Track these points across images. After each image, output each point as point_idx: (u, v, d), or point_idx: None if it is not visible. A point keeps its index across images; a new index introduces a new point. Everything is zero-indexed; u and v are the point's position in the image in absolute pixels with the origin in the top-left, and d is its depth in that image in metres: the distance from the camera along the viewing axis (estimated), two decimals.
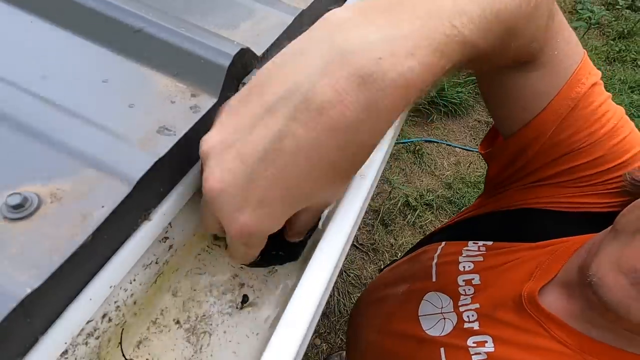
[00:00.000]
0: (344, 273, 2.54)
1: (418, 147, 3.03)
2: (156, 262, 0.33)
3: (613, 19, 3.74)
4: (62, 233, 0.20)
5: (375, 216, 2.76)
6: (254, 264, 0.36)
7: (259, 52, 0.32)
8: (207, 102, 0.27)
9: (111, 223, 0.23)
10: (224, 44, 0.28)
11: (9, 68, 0.26)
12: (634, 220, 0.40)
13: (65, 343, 0.25)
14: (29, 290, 0.18)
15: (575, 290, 0.47)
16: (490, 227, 0.64)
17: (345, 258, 2.91)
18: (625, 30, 3.57)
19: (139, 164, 0.23)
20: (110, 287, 0.27)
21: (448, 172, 2.83)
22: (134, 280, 0.31)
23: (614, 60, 3.43)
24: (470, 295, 0.59)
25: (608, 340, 0.44)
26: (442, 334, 0.60)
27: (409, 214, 2.61)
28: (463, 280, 0.61)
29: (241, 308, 0.34)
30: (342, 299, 2.43)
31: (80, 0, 0.28)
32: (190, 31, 0.28)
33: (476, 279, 0.59)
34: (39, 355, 0.23)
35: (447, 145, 3.00)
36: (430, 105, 3.20)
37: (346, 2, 0.44)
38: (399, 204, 2.65)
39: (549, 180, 0.58)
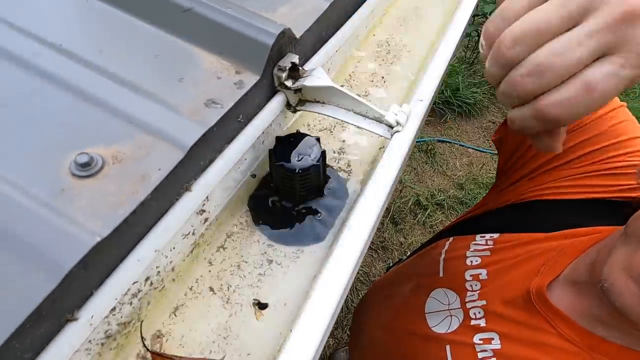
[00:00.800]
0: None
1: (431, 146, 3.02)
2: (193, 234, 0.34)
3: None
4: (124, 190, 0.22)
5: (386, 214, 2.76)
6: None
7: (297, 34, 0.33)
8: (250, 78, 0.29)
9: (165, 185, 0.24)
10: (267, 24, 0.29)
11: (68, 42, 0.28)
12: (634, 227, 0.40)
13: (115, 299, 0.26)
14: (98, 239, 0.20)
15: (584, 289, 0.47)
16: (498, 220, 0.64)
17: None
18: None
19: (191, 133, 0.25)
20: (155, 251, 0.29)
21: (460, 173, 2.81)
22: (174, 248, 0.33)
23: None
24: (477, 291, 0.58)
25: (616, 339, 0.44)
26: (449, 331, 0.59)
27: (419, 213, 2.60)
28: (470, 275, 0.60)
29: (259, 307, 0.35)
30: (349, 295, 2.44)
31: None
32: (235, 11, 0.29)
33: (483, 273, 0.59)
34: (93, 308, 0.25)
35: (460, 145, 2.98)
36: (445, 105, 3.18)
37: None
38: (410, 203, 2.65)
39: (552, 164, 0.58)
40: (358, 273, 2.52)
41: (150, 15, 0.30)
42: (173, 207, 0.29)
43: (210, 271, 0.36)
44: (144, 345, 0.29)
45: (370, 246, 2.65)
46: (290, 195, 0.38)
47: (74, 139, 0.23)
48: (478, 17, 3.45)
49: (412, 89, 0.50)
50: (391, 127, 0.37)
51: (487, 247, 0.61)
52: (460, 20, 0.52)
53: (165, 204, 0.28)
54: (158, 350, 0.31)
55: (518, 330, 0.51)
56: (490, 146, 2.95)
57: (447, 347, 0.58)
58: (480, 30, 3.23)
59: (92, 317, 0.25)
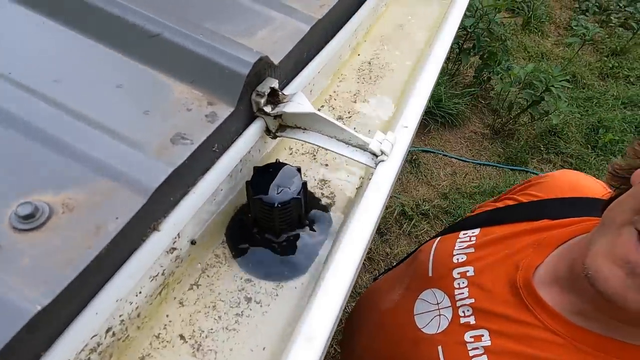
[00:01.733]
0: None
1: (415, 156, 3.04)
2: (162, 274, 0.32)
3: (606, 36, 3.82)
4: (75, 245, 0.19)
5: None
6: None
7: (276, 60, 0.31)
8: (224, 110, 0.27)
9: (124, 234, 0.21)
10: (243, 52, 0.27)
11: (19, 70, 0.25)
12: (619, 214, 0.42)
13: (92, 336, 0.23)
14: (39, 308, 0.17)
15: (566, 285, 0.49)
16: (479, 218, 0.68)
17: None
18: (618, 48, 3.65)
19: (155, 174, 0.22)
20: (117, 300, 0.26)
21: (444, 182, 2.84)
22: (140, 292, 0.30)
23: (607, 76, 3.49)
24: (465, 288, 0.59)
25: (596, 329, 0.47)
26: (438, 331, 0.59)
27: (404, 223, 2.61)
28: (458, 273, 0.61)
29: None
30: None
31: (94, 3, 0.27)
32: (208, 37, 0.27)
33: (470, 270, 0.60)
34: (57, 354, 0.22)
35: (444, 155, 3.02)
36: (428, 115, 3.22)
37: None
38: (395, 213, 2.65)
39: None
40: None
41: (115, 40, 0.28)
42: (138, 251, 0.27)
43: (181, 314, 0.33)
44: None
45: None
46: (269, 229, 0.36)
47: (17, 185, 0.20)
48: (458, 30, 3.51)
49: (397, 111, 0.49)
50: (376, 155, 0.35)
51: (470, 243, 0.63)
52: (444, 39, 0.52)
53: (128, 250, 0.25)
54: None
55: (507, 325, 0.52)
56: (473, 156, 3.00)
57: (439, 347, 0.58)
58: (461, 43, 3.29)
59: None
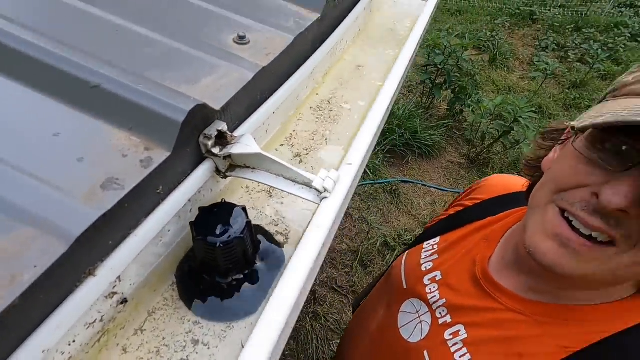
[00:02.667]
0: (322, 318, 2.45)
1: (395, 187, 3.09)
2: (101, 320, 0.31)
3: (566, 70, 4.10)
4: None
5: (354, 257, 2.73)
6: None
7: (217, 106, 0.33)
8: (160, 155, 0.28)
9: (45, 283, 0.21)
10: (181, 100, 0.29)
11: None
12: (541, 197, 0.49)
13: None
14: None
15: (515, 268, 0.57)
16: (437, 227, 0.77)
17: (325, 301, 2.81)
18: (578, 81, 3.92)
19: (81, 220, 0.23)
20: (43, 351, 0.25)
21: (425, 212, 2.87)
22: (74, 341, 0.29)
23: (571, 107, 3.71)
24: (437, 291, 0.64)
25: (548, 300, 0.53)
26: (422, 337, 0.63)
27: (387, 254, 2.60)
28: (428, 279, 0.67)
29: None
30: (321, 346, 2.32)
31: (34, 55, 0.29)
32: (148, 87, 0.29)
33: (438, 275, 0.66)
34: None
35: (423, 185, 3.08)
36: (405, 147, 3.32)
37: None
38: (378, 244, 2.64)
39: None
40: (329, 321, 2.42)
41: (54, 89, 0.29)
42: (70, 298, 0.26)
43: None
44: None
45: (340, 291, 2.58)
46: (215, 270, 0.36)
47: None
48: (430, 67, 3.73)
49: (346, 149, 0.51)
50: (319, 192, 0.36)
51: (433, 250, 0.71)
52: (394, 80, 0.55)
53: (57, 298, 0.25)
54: None
55: (477, 315, 0.58)
56: (451, 185, 3.07)
57: (425, 352, 0.61)
58: (433, 78, 3.46)
59: None
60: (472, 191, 0.78)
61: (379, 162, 3.27)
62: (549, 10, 5.96)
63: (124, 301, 0.33)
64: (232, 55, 0.39)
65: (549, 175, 0.50)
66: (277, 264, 0.39)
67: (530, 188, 0.56)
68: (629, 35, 5.51)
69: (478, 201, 0.74)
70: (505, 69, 4.47)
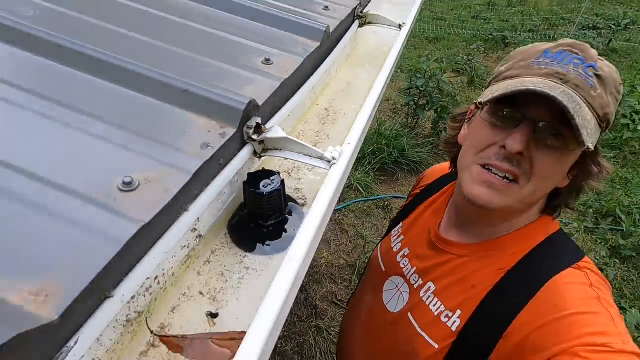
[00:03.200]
0: (325, 332, 2.52)
1: (387, 203, 3.25)
2: (188, 247, 0.46)
3: None
4: (154, 198, 0.34)
5: (352, 271, 2.84)
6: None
7: (260, 103, 0.49)
8: (230, 131, 0.43)
9: (176, 201, 0.37)
10: (240, 97, 0.45)
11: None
12: (467, 159, 0.66)
13: (138, 285, 0.37)
14: (142, 224, 0.32)
15: (459, 224, 0.74)
16: (399, 216, 0.96)
17: (326, 315, 2.87)
18: None
19: (196, 163, 0.38)
20: (165, 252, 0.40)
21: None
22: (174, 257, 0.43)
23: None
24: (408, 264, 0.81)
25: (483, 239, 0.71)
26: (405, 305, 0.78)
27: None
28: (400, 257, 0.84)
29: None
30: (324, 359, 2.39)
31: (153, 76, 0.45)
32: (219, 90, 0.45)
33: (406, 250, 0.83)
34: (124, 288, 0.36)
35: None
36: (395, 165, 3.52)
37: None
38: None
39: None
40: (331, 335, 2.49)
41: (155, 93, 0.45)
42: (176, 222, 0.41)
43: (199, 280, 0.47)
44: (152, 333, 0.38)
45: (340, 305, 2.67)
46: (260, 216, 0.51)
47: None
48: (413, 90, 4.01)
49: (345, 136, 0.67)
50: (329, 161, 0.53)
51: (399, 234, 0.89)
52: (375, 92, 0.73)
53: (172, 218, 0.40)
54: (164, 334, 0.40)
55: (439, 270, 0.74)
56: None
57: (409, 314, 0.76)
58: (416, 100, 3.69)
59: (122, 295, 0.35)
60: (418, 182, 0.98)
61: (371, 180, 3.45)
62: (520, 34, 6.44)
63: (199, 237, 0.47)
64: (263, 72, 0.56)
65: (467, 144, 0.69)
66: (300, 216, 0.55)
67: (454, 160, 0.75)
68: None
69: (424, 187, 0.93)
70: (483, 89, 4.77)
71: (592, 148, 0.55)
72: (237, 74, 0.54)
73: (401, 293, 0.81)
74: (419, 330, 0.73)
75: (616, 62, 6.21)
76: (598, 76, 0.57)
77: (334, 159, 0.52)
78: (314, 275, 3.04)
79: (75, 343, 0.31)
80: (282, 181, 0.50)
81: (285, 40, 0.65)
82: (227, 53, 0.57)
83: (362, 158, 3.55)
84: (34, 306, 0.25)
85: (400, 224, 0.92)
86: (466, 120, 0.74)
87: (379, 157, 3.51)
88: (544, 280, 0.62)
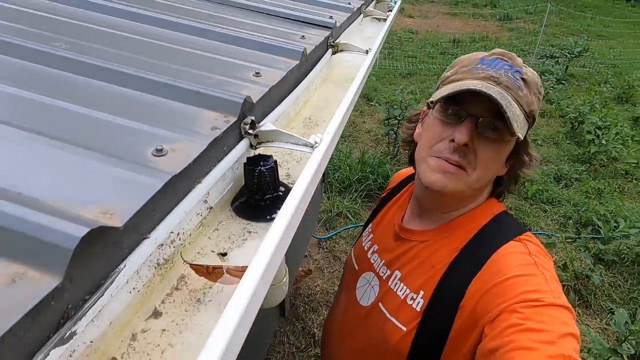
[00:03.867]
0: None
1: None
2: (200, 215, 0.56)
3: None
4: (177, 162, 0.45)
5: None
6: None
7: (254, 100, 0.62)
8: (232, 119, 0.56)
9: (193, 166, 0.48)
10: (239, 96, 0.58)
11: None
12: (423, 153, 0.77)
13: (171, 233, 0.47)
14: (159, 187, 0.43)
15: (421, 214, 0.84)
16: (368, 219, 1.06)
17: None
18: None
19: (206, 140, 0.50)
20: (185, 212, 0.51)
21: None
22: (191, 220, 0.54)
23: None
24: (378, 258, 0.89)
25: (442, 223, 0.80)
26: (376, 297, 0.84)
27: None
28: (370, 253, 0.92)
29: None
30: None
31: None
32: (224, 92, 0.58)
33: (375, 247, 0.92)
34: (157, 233, 0.46)
35: None
36: (380, 190, 3.67)
37: None
38: None
39: None
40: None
41: (176, 96, 0.58)
42: (193, 190, 0.52)
43: (210, 243, 0.57)
44: (184, 262, 0.48)
45: None
46: (258, 190, 0.62)
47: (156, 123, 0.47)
48: (391, 120, 4.27)
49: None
50: (312, 146, 0.65)
51: (369, 233, 0.99)
52: (345, 104, 0.87)
53: (190, 185, 0.51)
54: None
55: (403, 258, 0.82)
56: None
57: (380, 304, 0.82)
58: (395, 129, 3.95)
59: (156, 238, 0.45)
60: (386, 188, 1.11)
61: (359, 206, 3.57)
62: None
63: (210, 209, 0.58)
64: (254, 81, 0.70)
65: (422, 140, 0.80)
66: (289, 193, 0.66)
67: (411, 156, 0.87)
68: (555, 79, 6.45)
69: (390, 189, 1.05)
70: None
71: (522, 138, 0.68)
72: (234, 83, 0.67)
73: (372, 287, 0.87)
74: (388, 316, 0.78)
75: (575, 86, 6.74)
76: (524, 79, 0.71)
77: (316, 142, 0.64)
78: (310, 304, 3.04)
79: (124, 266, 0.40)
80: (275, 161, 0.62)
81: (271, 59, 0.80)
82: (226, 70, 0.72)
83: (349, 186, 3.69)
84: (104, 220, 0.35)
85: (370, 225, 1.00)
86: (420, 120, 0.87)
87: (365, 184, 3.66)
88: (489, 253, 0.70)
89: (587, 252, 3.25)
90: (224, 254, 0.51)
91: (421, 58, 7.59)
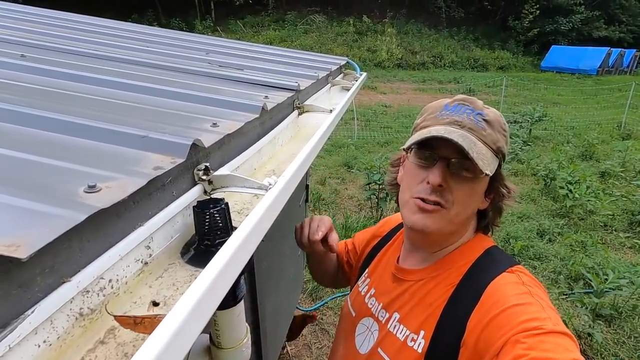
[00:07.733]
0: None
1: None
2: (140, 261, 0.52)
3: None
4: (111, 197, 0.43)
5: None
6: None
7: (207, 145, 0.63)
8: (179, 160, 0.55)
9: (126, 211, 0.46)
10: (188, 138, 0.58)
11: None
12: (405, 196, 0.80)
13: (101, 278, 0.42)
14: (81, 219, 0.40)
15: (413, 251, 0.85)
16: (363, 266, 1.04)
17: None
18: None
19: (147, 176, 0.49)
20: (119, 256, 0.47)
21: None
22: (128, 267, 0.50)
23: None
24: (375, 302, 0.87)
25: (435, 260, 0.82)
26: (375, 342, 0.81)
27: None
28: (367, 298, 0.89)
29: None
30: None
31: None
32: (173, 133, 0.58)
33: (372, 291, 0.90)
34: (81, 277, 0.41)
35: None
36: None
37: None
38: None
39: None
40: None
41: (122, 142, 0.58)
42: (132, 232, 0.49)
43: (150, 291, 0.52)
44: (109, 313, 0.42)
45: None
46: (209, 235, 0.59)
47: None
48: (372, 184, 4.36)
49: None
50: (266, 188, 0.64)
51: (366, 279, 0.96)
52: (305, 150, 0.89)
53: (129, 226, 0.48)
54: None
55: (401, 299, 0.82)
56: None
57: (379, 349, 0.79)
58: (377, 194, 4.03)
59: (79, 282, 0.41)
60: (376, 233, 1.10)
61: None
62: None
63: (152, 256, 0.54)
64: (210, 130, 0.71)
65: (403, 183, 0.84)
66: None
67: (398, 199, 0.89)
68: (522, 142, 6.89)
69: (383, 235, 1.05)
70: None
71: (490, 174, 0.72)
72: (189, 132, 0.68)
73: (371, 332, 0.85)
74: None
75: (541, 146, 7.21)
76: (486, 120, 0.77)
77: (270, 184, 0.64)
78: None
79: (33, 312, 0.36)
80: (227, 204, 0.60)
81: (230, 114, 0.83)
82: (184, 121, 0.73)
83: None
84: (7, 251, 0.32)
85: (366, 271, 1.00)
86: (401, 164, 0.90)
87: None
88: (484, 286, 0.72)
89: (584, 307, 3.13)
90: (157, 304, 0.46)
91: (396, 128, 8.08)
